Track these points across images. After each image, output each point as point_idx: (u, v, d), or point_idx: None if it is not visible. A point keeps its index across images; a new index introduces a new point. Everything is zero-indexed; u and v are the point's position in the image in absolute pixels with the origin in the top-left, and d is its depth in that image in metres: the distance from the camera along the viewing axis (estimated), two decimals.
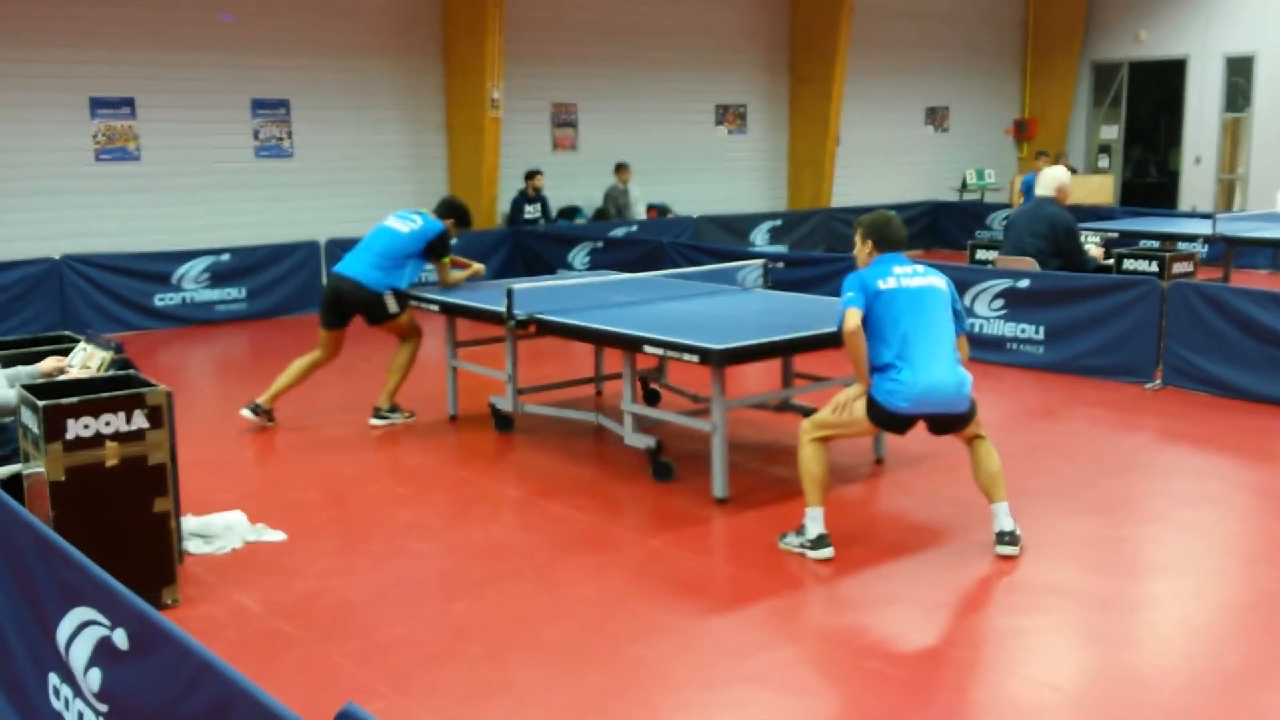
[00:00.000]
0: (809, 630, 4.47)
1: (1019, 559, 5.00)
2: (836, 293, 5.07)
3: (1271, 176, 17.85)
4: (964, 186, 18.96)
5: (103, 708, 2.86)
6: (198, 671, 2.39)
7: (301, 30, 12.94)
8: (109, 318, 10.90)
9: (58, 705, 3.15)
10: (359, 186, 13.35)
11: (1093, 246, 9.70)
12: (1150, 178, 21.26)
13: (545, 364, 8.95)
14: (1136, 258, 9.07)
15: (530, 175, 14.35)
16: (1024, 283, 8.87)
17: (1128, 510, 5.77)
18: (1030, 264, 8.93)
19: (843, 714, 3.83)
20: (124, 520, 4.35)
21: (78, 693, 2.99)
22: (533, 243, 13.59)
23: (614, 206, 15.05)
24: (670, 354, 5.69)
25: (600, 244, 12.98)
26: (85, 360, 4.91)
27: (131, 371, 4.78)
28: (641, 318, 6.45)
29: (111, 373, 4.78)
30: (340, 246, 11.36)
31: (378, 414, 7.45)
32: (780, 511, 5.63)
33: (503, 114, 13.75)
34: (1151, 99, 20.72)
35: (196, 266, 11.50)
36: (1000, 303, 9.01)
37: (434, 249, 7.36)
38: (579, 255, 13.06)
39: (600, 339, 6.35)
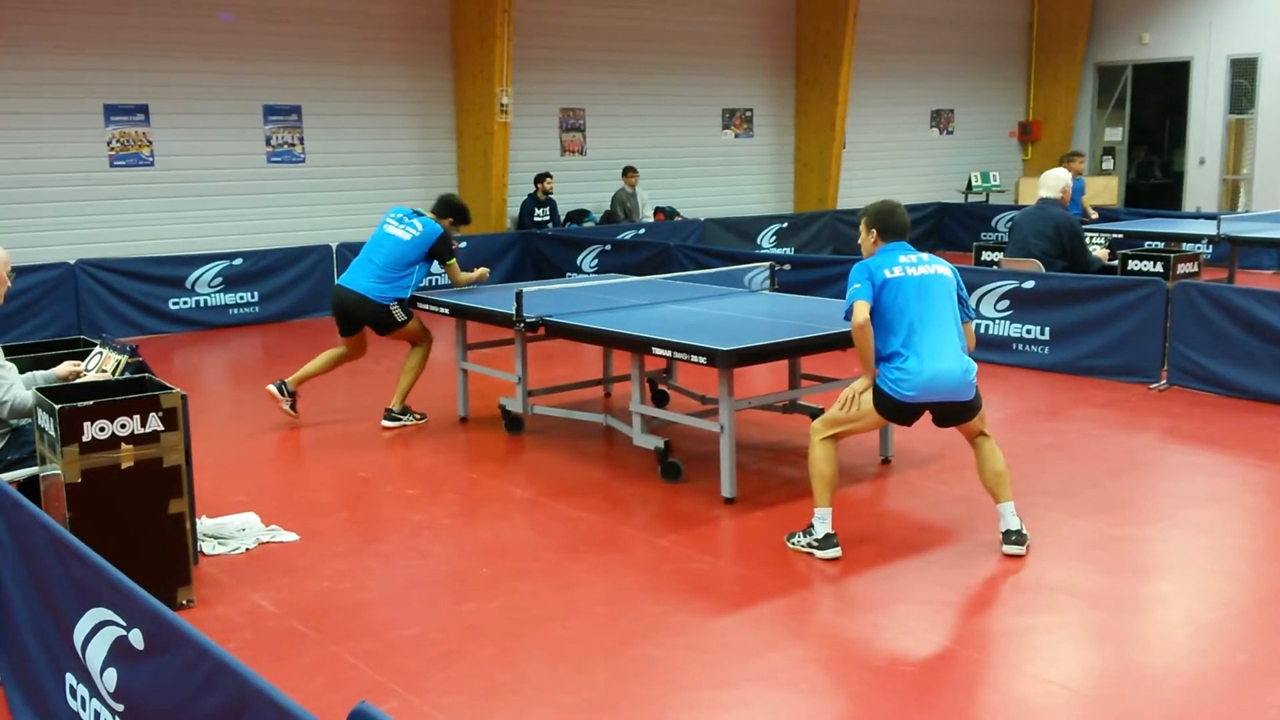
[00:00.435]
0: (817, 630, 4.50)
1: (1026, 558, 5.03)
2: (843, 295, 5.08)
3: (1276, 177, 17.83)
4: (969, 188, 18.96)
5: (119, 707, 2.88)
6: (213, 671, 2.41)
7: (313, 37, 13.00)
8: (124, 322, 10.97)
9: (74, 705, 3.17)
10: (370, 191, 13.40)
11: (1097, 248, 9.72)
12: (1155, 179, 21.23)
13: (554, 366, 8.99)
14: (1141, 258, 9.08)
15: (540, 178, 14.42)
16: (1029, 284, 8.89)
17: (1134, 509, 5.79)
18: (1035, 265, 8.96)
19: (851, 713, 3.85)
20: (139, 522, 4.39)
21: (94, 693, 3.01)
22: (541, 246, 13.64)
23: (622, 210, 15.09)
24: (678, 355, 5.72)
25: (608, 247, 13.02)
26: (101, 364, 4.95)
27: (146, 375, 4.82)
28: (650, 320, 6.49)
29: (127, 376, 4.82)
30: (351, 250, 11.37)
31: (389, 416, 7.49)
32: (788, 511, 5.66)
33: (512, 119, 13.80)
34: (1156, 101, 20.69)
35: (210, 271, 11.56)
36: (1005, 304, 9.03)
37: (437, 252, 7.39)
38: (587, 258, 13.10)
39: (609, 341, 6.39)
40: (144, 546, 4.39)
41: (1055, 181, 9.10)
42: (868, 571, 4.94)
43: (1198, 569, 5.03)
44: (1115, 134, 20.34)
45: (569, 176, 15.14)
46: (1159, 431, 7.30)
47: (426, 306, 7.47)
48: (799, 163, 17.58)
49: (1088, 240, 9.39)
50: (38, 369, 5.05)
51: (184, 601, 4.57)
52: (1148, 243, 11.13)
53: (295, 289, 12.03)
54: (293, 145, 13.05)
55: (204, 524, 5.40)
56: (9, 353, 5.01)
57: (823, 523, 5.08)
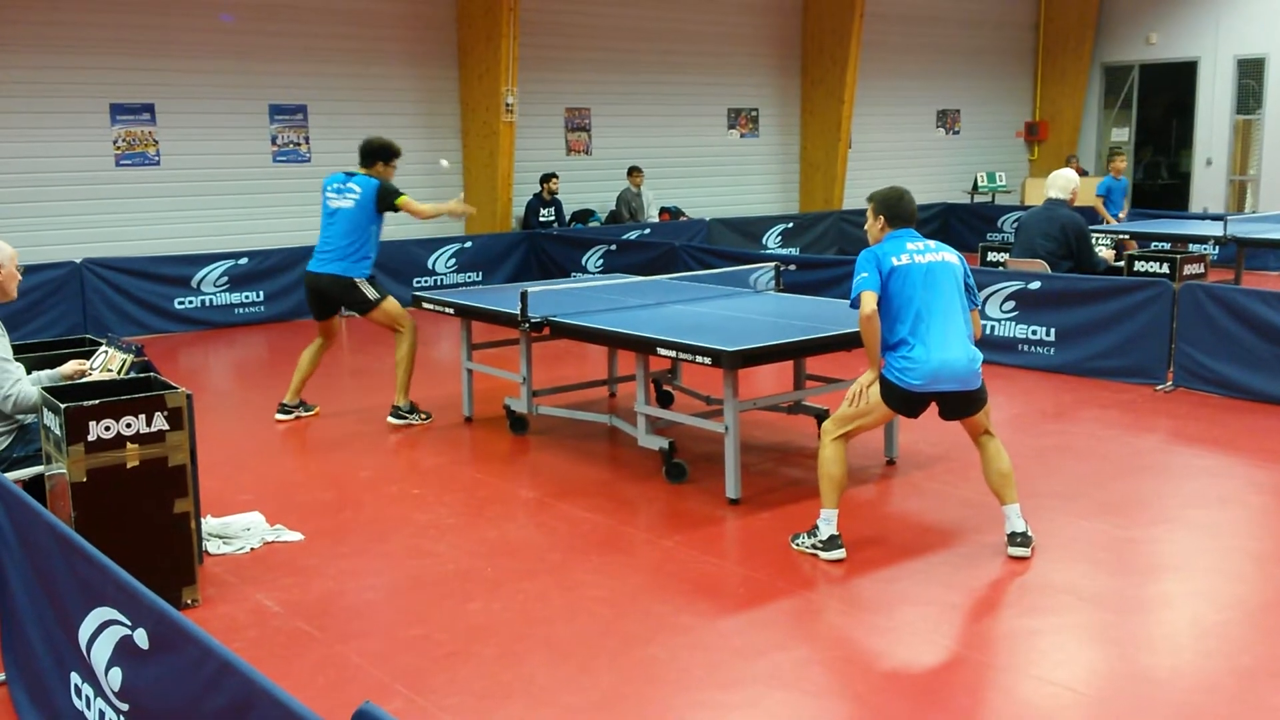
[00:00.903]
0: (822, 631, 4.50)
1: (1031, 560, 5.02)
2: (848, 295, 5.07)
3: None
4: (975, 189, 18.94)
5: (124, 707, 2.88)
6: (218, 671, 2.41)
7: (319, 36, 13.02)
8: (129, 321, 10.99)
9: (79, 704, 3.18)
10: None
11: (1104, 249, 9.71)
12: (1161, 180, 21.20)
13: (559, 366, 8.99)
14: (1148, 259, 9.07)
15: (546, 178, 14.43)
16: (1035, 284, 8.88)
17: (1140, 511, 5.78)
18: (1041, 266, 8.95)
19: (856, 714, 3.85)
20: (145, 521, 4.40)
21: (99, 692, 3.01)
22: (546, 246, 13.65)
23: (627, 210, 15.09)
24: (683, 356, 5.72)
25: (613, 247, 13.03)
26: (106, 363, 4.96)
27: (152, 374, 4.83)
28: (655, 320, 6.49)
29: (132, 375, 4.83)
30: None
31: (395, 413, 7.50)
32: (793, 512, 5.66)
33: (517, 118, 13.81)
34: (1162, 101, 20.66)
35: (215, 270, 11.58)
36: (1011, 304, 9.02)
37: (384, 201, 7.28)
38: (592, 258, 13.11)
39: (614, 341, 6.39)
40: (149, 546, 4.39)
41: (1064, 182, 9.08)
42: (872, 573, 4.94)
43: (1204, 571, 5.02)
44: (1122, 134, 20.31)
45: (574, 176, 15.14)
46: (1165, 433, 7.28)
47: (431, 306, 7.48)
48: (804, 163, 17.57)
49: (1094, 241, 9.37)
50: (43, 368, 5.06)
51: (189, 601, 4.57)
52: (1154, 244, 11.12)
53: (301, 288, 11.90)
54: (298, 145, 13.06)
55: (209, 523, 5.40)
56: (14, 352, 5.02)
57: (828, 524, 5.08)
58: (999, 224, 16.97)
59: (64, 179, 11.66)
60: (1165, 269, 8.87)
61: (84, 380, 4.83)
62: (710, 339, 5.74)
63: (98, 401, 4.29)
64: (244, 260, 11.75)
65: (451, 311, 7.35)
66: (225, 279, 11.64)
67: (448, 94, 14.06)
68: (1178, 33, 19.10)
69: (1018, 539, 5.05)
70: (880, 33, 17.71)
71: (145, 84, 11.99)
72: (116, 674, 2.89)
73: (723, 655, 4.17)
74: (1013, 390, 8.33)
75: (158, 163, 12.18)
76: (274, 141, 12.91)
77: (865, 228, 5.27)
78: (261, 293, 11.85)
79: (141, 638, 2.76)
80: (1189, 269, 8.87)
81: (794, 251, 15.29)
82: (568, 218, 14.90)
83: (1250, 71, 18.34)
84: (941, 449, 6.64)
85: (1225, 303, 7.93)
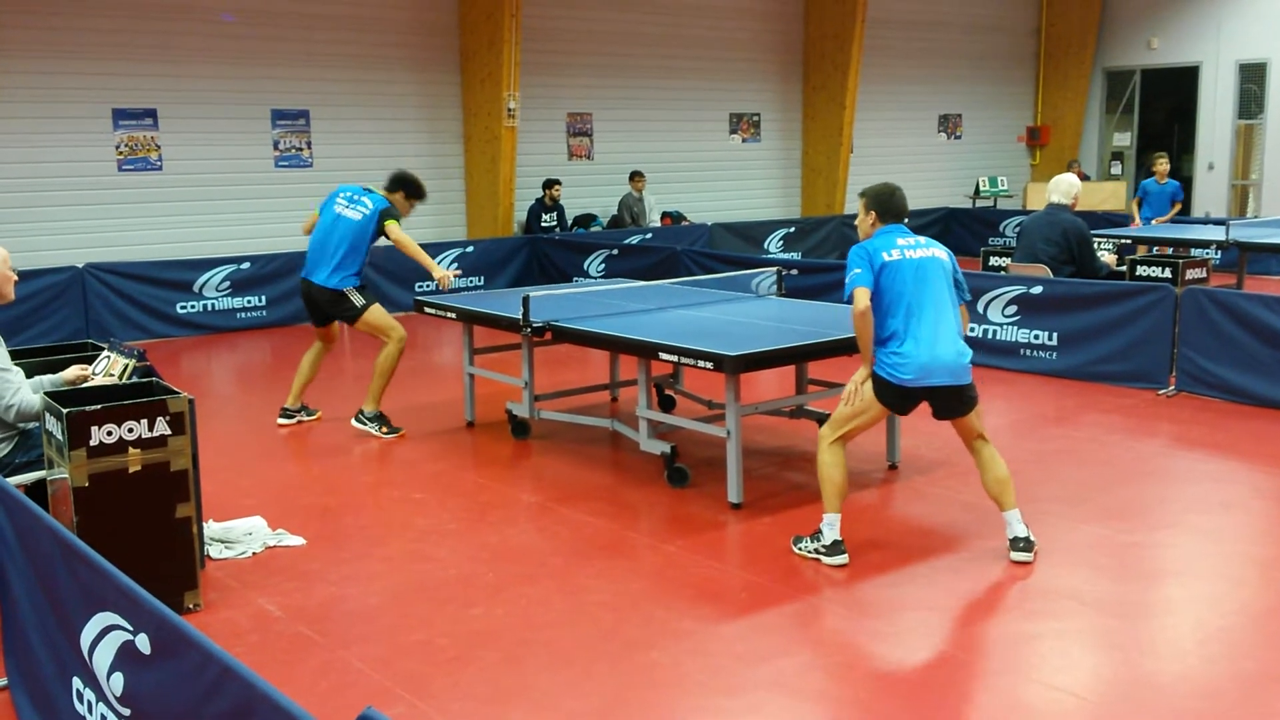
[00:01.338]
0: (824, 636, 4.49)
1: (1033, 565, 5.02)
2: (850, 300, 5.07)
3: None
4: (977, 193, 18.95)
5: (125, 711, 2.88)
6: (219, 676, 2.40)
7: (321, 42, 13.04)
8: (132, 325, 11.00)
9: (81, 709, 3.17)
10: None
11: (1105, 253, 9.70)
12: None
13: (561, 371, 8.99)
14: (1150, 264, 9.06)
15: (548, 185, 14.45)
16: (1037, 289, 8.87)
17: (1142, 516, 5.77)
18: (1043, 270, 8.94)
19: (858, 719, 3.85)
20: (146, 526, 4.40)
21: (101, 697, 3.01)
22: (548, 250, 13.66)
23: (629, 214, 15.10)
24: (685, 361, 5.72)
25: (615, 251, 13.04)
26: (108, 368, 4.96)
27: (154, 379, 4.83)
28: (656, 325, 6.49)
29: (134, 380, 4.84)
30: None
31: (359, 418, 7.42)
32: (795, 517, 5.65)
33: (519, 124, 13.82)
34: (1164, 106, 20.66)
35: (218, 275, 11.60)
36: (1013, 309, 9.02)
37: (381, 219, 7.21)
38: (594, 263, 13.12)
39: (616, 346, 6.39)
40: (151, 550, 4.40)
41: (1066, 187, 9.08)
42: (875, 578, 4.93)
43: (1206, 576, 5.01)
44: (1124, 139, 20.32)
45: (576, 181, 15.16)
46: (1167, 438, 7.28)
47: (434, 311, 7.48)
48: (806, 168, 17.58)
49: (1095, 246, 9.37)
50: (45, 373, 5.06)
51: (191, 606, 4.57)
52: (1156, 248, 11.12)
53: None
54: (300, 150, 13.08)
55: (211, 528, 5.40)
56: (16, 357, 5.02)
57: (831, 529, 5.07)
58: (1001, 229, 16.98)
59: (66, 184, 11.68)
60: (1167, 273, 8.86)
61: (86, 385, 4.83)
62: (712, 343, 5.74)
63: (100, 406, 4.30)
64: (246, 265, 11.76)
65: (453, 316, 7.35)
66: (227, 284, 11.65)
67: (450, 99, 14.08)
68: (1179, 38, 19.11)
69: (1019, 544, 5.04)
70: (882, 38, 17.73)
71: (147, 89, 12.02)
72: (118, 679, 2.89)
73: (725, 660, 4.17)
74: (1014, 394, 8.33)
75: (160, 168, 12.20)
76: (276, 146, 12.93)
77: (856, 223, 5.29)
78: (263, 297, 11.86)
79: (143, 643, 2.76)
80: (1191, 273, 8.87)
81: (796, 256, 15.30)
82: (569, 222, 14.91)
83: (1252, 76, 18.34)
84: (943, 454, 6.63)
85: (1227, 307, 7.92)
